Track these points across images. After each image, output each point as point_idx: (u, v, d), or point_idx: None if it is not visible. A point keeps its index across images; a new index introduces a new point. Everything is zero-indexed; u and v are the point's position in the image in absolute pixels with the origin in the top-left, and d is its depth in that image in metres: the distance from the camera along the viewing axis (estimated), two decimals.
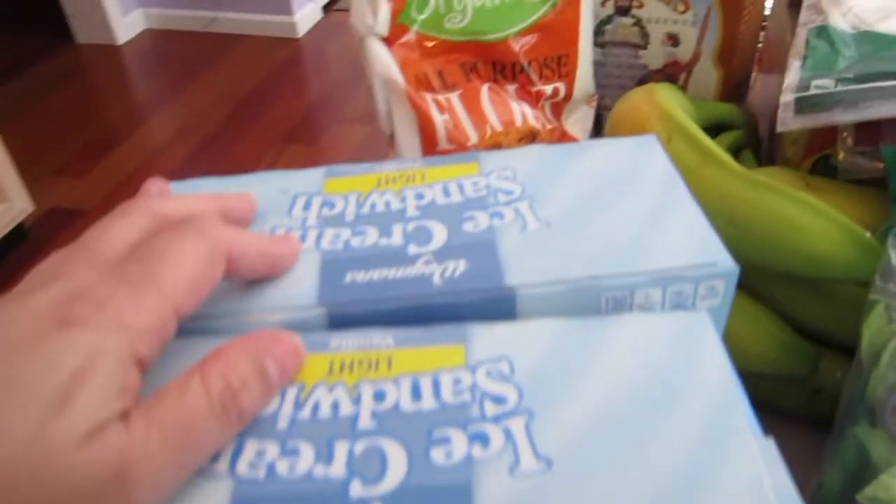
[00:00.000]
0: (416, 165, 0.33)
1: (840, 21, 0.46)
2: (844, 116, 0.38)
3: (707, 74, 0.51)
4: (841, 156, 0.41)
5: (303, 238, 0.30)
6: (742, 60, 0.53)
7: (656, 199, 0.30)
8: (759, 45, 0.57)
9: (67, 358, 0.19)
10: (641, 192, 0.30)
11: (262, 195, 0.32)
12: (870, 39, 0.44)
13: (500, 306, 0.27)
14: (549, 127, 0.44)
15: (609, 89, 0.53)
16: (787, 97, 0.40)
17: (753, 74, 0.62)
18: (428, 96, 0.40)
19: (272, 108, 2.49)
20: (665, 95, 0.42)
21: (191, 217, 0.25)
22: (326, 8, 2.97)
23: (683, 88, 0.52)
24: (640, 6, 0.49)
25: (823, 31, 0.45)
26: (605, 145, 0.33)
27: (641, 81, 0.52)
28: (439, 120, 0.40)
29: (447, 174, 0.32)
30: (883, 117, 0.37)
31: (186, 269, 0.22)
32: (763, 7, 0.53)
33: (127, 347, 0.20)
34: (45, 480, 0.17)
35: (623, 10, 0.50)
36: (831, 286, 0.37)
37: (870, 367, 0.33)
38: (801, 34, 0.46)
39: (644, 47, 0.51)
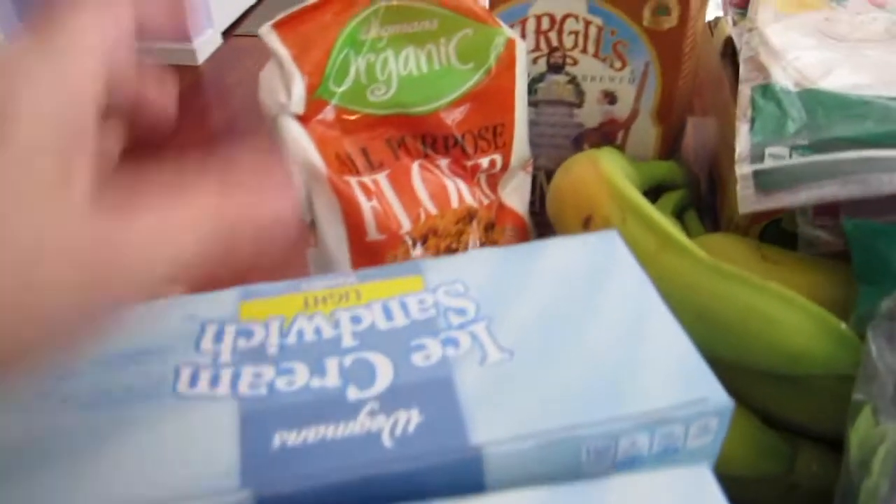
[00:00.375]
0: (350, 281, 0.28)
1: (782, 77, 0.44)
2: (808, 195, 0.35)
3: (646, 132, 0.48)
4: (800, 229, 0.39)
5: (215, 381, 0.25)
6: (680, 115, 0.50)
7: (630, 316, 0.26)
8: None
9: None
10: (611, 306, 0.27)
11: (162, 325, 0.27)
12: (816, 99, 0.42)
13: (464, 470, 0.22)
14: (486, 202, 0.40)
15: (543, 148, 0.50)
16: (743, 169, 0.37)
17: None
18: (352, 180, 0.36)
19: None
20: (610, 167, 0.39)
21: None
22: (226, 34, 2.88)
23: (621, 147, 0.49)
24: (574, 63, 0.46)
25: (768, 90, 0.43)
26: (563, 246, 0.29)
27: (577, 140, 0.49)
28: (367, 206, 0.35)
29: (387, 291, 0.27)
30: (846, 197, 0.35)
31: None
32: (698, 59, 0.51)
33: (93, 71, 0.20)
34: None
35: (556, 68, 0.46)
36: (806, 380, 0.34)
37: (860, 475, 0.30)
38: (745, 92, 0.44)
39: (579, 105, 0.48)
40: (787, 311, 0.32)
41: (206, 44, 2.76)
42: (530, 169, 0.44)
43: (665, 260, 0.34)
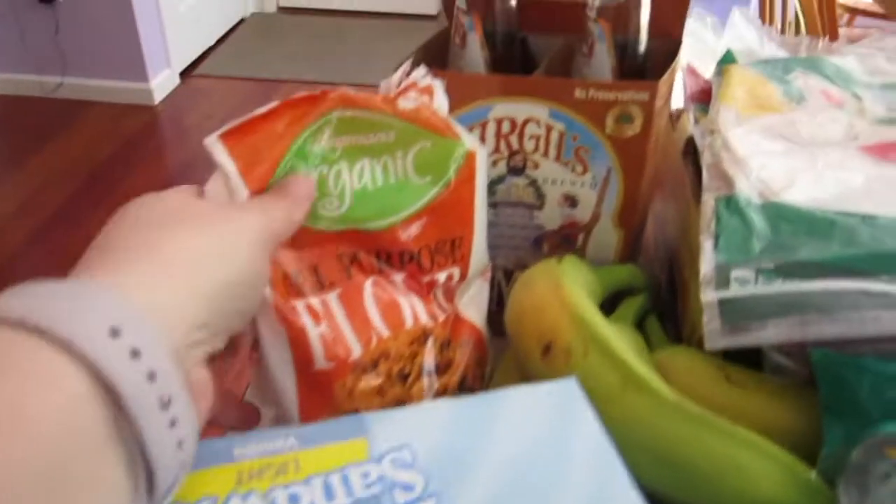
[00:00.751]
0: (288, 445, 0.26)
1: (746, 188, 0.43)
2: (777, 332, 0.34)
3: (607, 235, 0.47)
4: (765, 355, 0.38)
5: None
6: (642, 216, 0.49)
7: (593, 490, 0.24)
8: None
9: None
10: (574, 480, 0.25)
11: None
12: (781, 214, 0.41)
13: None
14: (441, 317, 0.38)
15: (502, 249, 0.48)
16: (708, 295, 0.36)
17: None
18: (299, 304, 0.33)
19: (127, 180, 2.33)
20: (573, 288, 0.37)
21: None
22: (184, 74, 2.85)
23: (582, 249, 0.47)
24: (536, 167, 0.45)
25: (732, 203, 0.42)
26: (519, 401, 0.27)
27: (537, 241, 0.48)
28: (314, 334, 0.33)
29: (328, 461, 0.25)
30: (815, 338, 0.34)
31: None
32: (661, 157, 0.50)
33: None
34: None
35: (516, 171, 0.45)
36: None
37: None
38: (708, 203, 0.42)
39: (539, 208, 0.46)
40: (756, 459, 0.31)
41: (163, 84, 2.73)
42: (488, 275, 0.42)
43: (629, 399, 0.32)
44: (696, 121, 0.53)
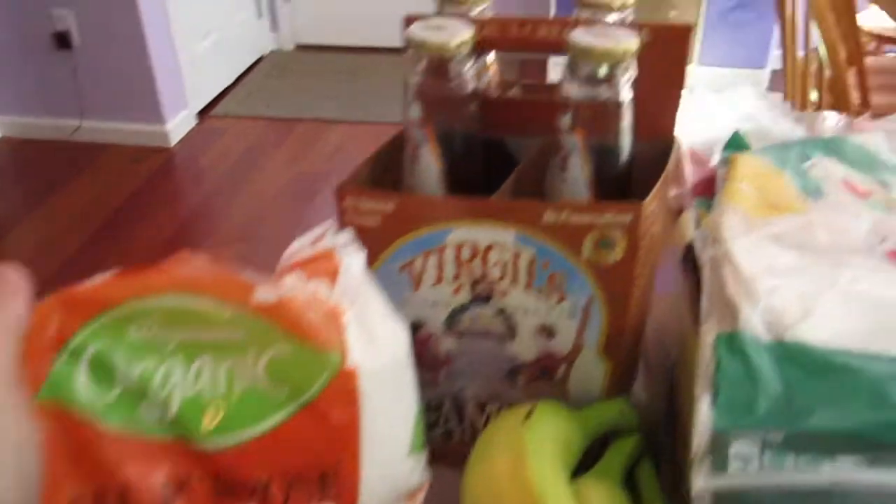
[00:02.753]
0: None
1: (754, 321, 0.36)
2: None
3: (592, 368, 0.40)
4: None
5: None
6: (633, 347, 0.42)
7: None
8: None
9: None
10: None
11: None
12: (794, 359, 0.34)
13: None
14: None
15: (473, 380, 0.42)
16: (699, 482, 0.29)
17: None
18: None
19: (142, 224, 2.31)
20: (538, 465, 0.31)
21: None
22: (202, 114, 2.83)
23: (563, 384, 0.41)
24: (504, 295, 0.38)
25: (735, 343, 0.35)
26: None
27: (512, 373, 0.41)
28: None
29: None
30: None
31: None
32: (654, 275, 0.44)
33: None
34: None
35: (482, 299, 0.39)
36: None
37: None
38: (707, 341, 0.36)
39: (511, 338, 0.40)
40: None
41: (180, 125, 2.71)
42: (420, 495, 0.34)
43: None
44: (699, 222, 0.46)
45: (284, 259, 0.31)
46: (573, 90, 0.35)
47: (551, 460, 0.32)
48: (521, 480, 0.30)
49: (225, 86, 3.01)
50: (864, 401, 0.31)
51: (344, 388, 0.28)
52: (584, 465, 0.38)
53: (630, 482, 0.39)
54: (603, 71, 0.34)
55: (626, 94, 0.35)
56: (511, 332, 0.39)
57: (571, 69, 0.35)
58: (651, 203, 0.36)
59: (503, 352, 0.40)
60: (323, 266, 0.31)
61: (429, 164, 0.37)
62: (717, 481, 0.29)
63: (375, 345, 0.30)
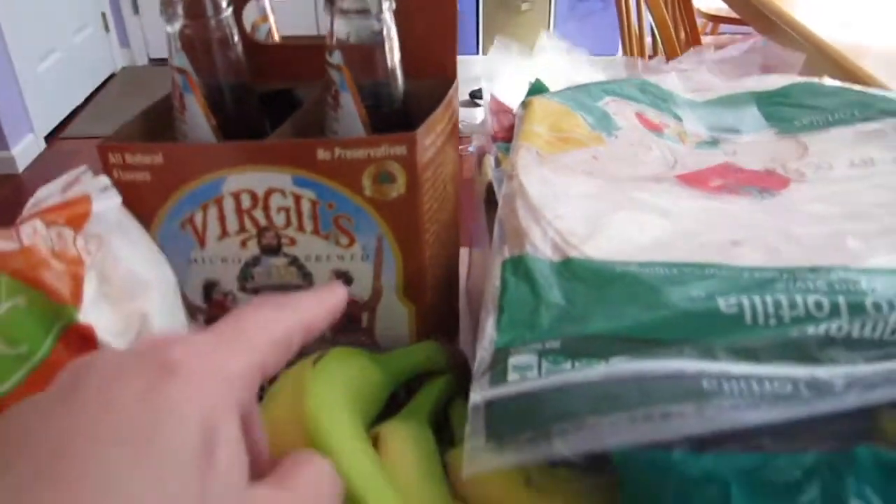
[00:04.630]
0: None
1: (541, 244, 0.36)
2: (554, 449, 0.27)
3: (395, 312, 0.39)
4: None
5: None
6: (439, 284, 0.42)
7: None
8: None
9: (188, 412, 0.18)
10: None
11: None
12: (575, 274, 0.34)
13: None
14: None
15: None
16: (476, 396, 0.29)
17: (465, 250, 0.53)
18: None
19: None
20: (320, 399, 0.30)
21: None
22: (50, 137, 2.69)
23: (370, 331, 0.40)
24: (292, 243, 0.37)
25: (521, 265, 0.35)
26: None
27: None
28: None
29: None
30: (599, 448, 0.27)
31: (271, 330, 0.23)
32: (457, 209, 0.44)
33: (232, 394, 0.20)
34: None
35: (271, 250, 0.37)
36: None
37: None
38: (495, 268, 0.36)
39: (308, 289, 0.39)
40: None
41: (26, 150, 2.56)
42: None
43: None
44: (498, 163, 0.47)
45: (29, 206, 0.29)
46: (337, 25, 0.35)
47: (338, 401, 0.31)
48: (298, 413, 0.29)
49: (74, 106, 2.87)
50: (640, 304, 0.32)
51: (78, 344, 0.26)
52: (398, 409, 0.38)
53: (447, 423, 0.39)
54: (359, 2, 0.34)
55: (387, 25, 0.35)
56: (308, 282, 0.38)
57: (330, 1, 0.34)
58: (427, 134, 0.35)
59: None
60: (72, 213, 0.29)
61: (195, 114, 0.36)
62: (494, 392, 0.29)
63: (118, 297, 0.28)
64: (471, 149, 0.55)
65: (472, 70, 1.18)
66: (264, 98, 0.40)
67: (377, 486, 0.27)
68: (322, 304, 0.28)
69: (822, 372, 0.28)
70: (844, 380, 0.27)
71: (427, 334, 0.41)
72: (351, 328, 0.40)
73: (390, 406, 0.38)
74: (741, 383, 0.27)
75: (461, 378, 0.41)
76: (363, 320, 0.40)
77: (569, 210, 0.39)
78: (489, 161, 0.47)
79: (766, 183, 0.44)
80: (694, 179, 0.44)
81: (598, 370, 0.28)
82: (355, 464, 0.28)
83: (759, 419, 0.26)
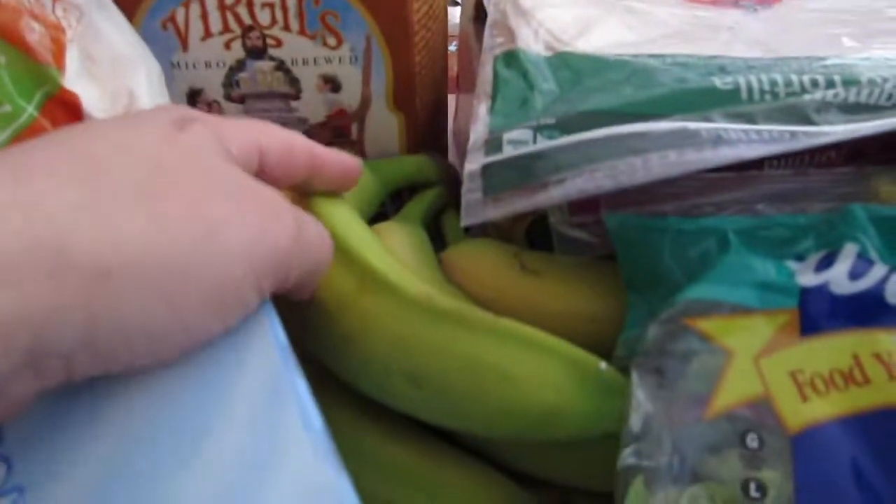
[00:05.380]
0: None
1: (532, 42, 0.35)
2: (546, 196, 0.27)
3: (384, 122, 0.39)
4: (555, 229, 0.31)
5: None
6: (429, 100, 0.41)
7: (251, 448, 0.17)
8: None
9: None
10: (229, 441, 0.17)
11: None
12: (569, 65, 0.34)
13: None
14: None
15: None
16: (472, 163, 0.29)
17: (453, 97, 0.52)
18: None
19: None
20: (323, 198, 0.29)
21: None
22: None
23: (359, 143, 0.39)
24: (278, 44, 0.36)
25: (513, 58, 0.34)
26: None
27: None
28: None
29: None
30: (592, 192, 0.27)
31: (277, 131, 0.25)
32: (446, 28, 0.42)
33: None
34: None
35: (257, 52, 0.36)
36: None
37: None
38: (487, 64, 0.35)
39: (296, 97, 0.38)
40: (528, 359, 0.24)
41: None
42: None
43: (368, 303, 0.25)
44: None
45: None
46: None
47: (347, 205, 0.31)
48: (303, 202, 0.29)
49: None
50: (633, 83, 0.31)
51: (64, 112, 0.26)
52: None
53: (437, 231, 0.39)
54: None
55: None
56: (295, 88, 0.37)
57: None
58: None
59: (291, 114, 0.38)
60: None
61: None
62: (489, 159, 0.29)
63: (103, 77, 0.27)
64: None
65: None
66: None
67: (381, 252, 0.27)
68: (336, 155, 0.28)
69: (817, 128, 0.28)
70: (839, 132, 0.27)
71: (417, 149, 0.40)
72: (340, 141, 0.39)
73: (379, 218, 0.38)
74: (738, 133, 0.27)
75: (452, 191, 0.40)
76: (353, 131, 0.39)
77: (559, 12, 0.38)
78: None
79: None
80: None
81: (597, 133, 0.28)
82: (359, 232, 0.28)
83: (755, 153, 0.26)
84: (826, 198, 0.29)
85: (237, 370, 0.18)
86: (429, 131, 0.42)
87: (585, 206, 0.30)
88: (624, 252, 0.28)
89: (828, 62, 0.32)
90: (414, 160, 0.39)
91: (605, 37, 0.36)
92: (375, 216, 0.38)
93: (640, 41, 0.36)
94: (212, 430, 0.17)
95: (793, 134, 0.26)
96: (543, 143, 0.28)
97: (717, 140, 0.26)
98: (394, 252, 0.32)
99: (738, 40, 0.36)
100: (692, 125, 0.27)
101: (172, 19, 0.35)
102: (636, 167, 0.26)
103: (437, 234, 0.39)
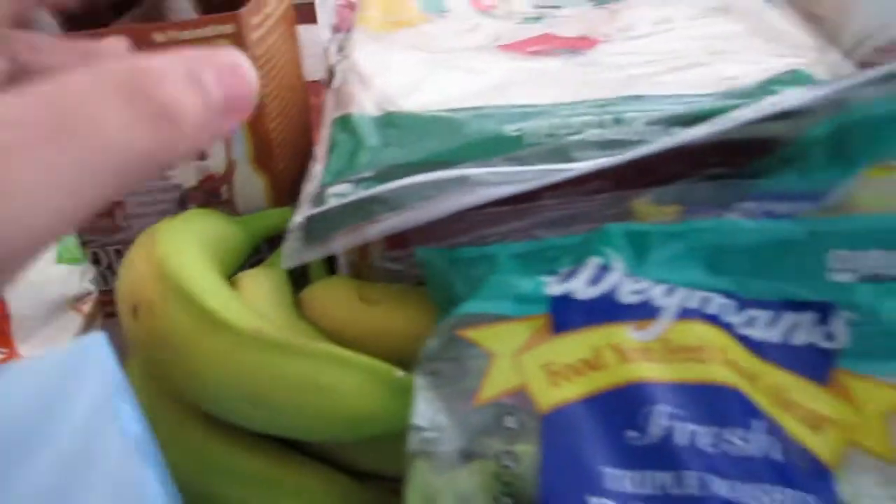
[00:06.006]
0: None
1: (367, 105, 0.41)
2: (346, 240, 0.33)
3: (250, 182, 0.45)
4: (374, 264, 0.37)
5: None
6: (291, 157, 0.47)
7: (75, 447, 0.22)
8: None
9: None
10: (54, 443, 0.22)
11: None
12: (393, 122, 0.40)
13: None
14: None
15: (149, 218, 0.45)
16: (298, 217, 0.34)
17: None
18: None
19: None
20: (169, 241, 0.35)
21: None
22: None
23: (230, 203, 0.45)
24: None
25: (348, 122, 0.40)
26: (26, 369, 0.25)
27: (181, 202, 0.45)
28: None
29: None
30: (386, 232, 0.33)
31: None
32: (305, 92, 0.49)
33: None
34: None
35: None
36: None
37: None
38: (326, 127, 0.41)
39: (173, 168, 0.43)
40: (336, 373, 0.30)
41: None
42: (86, 307, 0.38)
43: (207, 343, 0.31)
44: (340, 49, 0.52)
45: None
46: None
47: (190, 244, 0.36)
48: (148, 253, 0.34)
49: None
50: (442, 138, 0.38)
51: None
52: None
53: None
54: None
55: None
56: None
57: None
58: (254, 13, 0.40)
59: (168, 182, 0.44)
60: None
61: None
62: (313, 211, 0.34)
63: None
64: None
65: None
66: None
67: (216, 292, 0.33)
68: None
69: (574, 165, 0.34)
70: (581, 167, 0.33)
71: (283, 202, 0.46)
72: (213, 201, 0.45)
73: (255, 265, 0.43)
74: (503, 175, 0.33)
75: None
76: (223, 192, 0.45)
77: (393, 76, 0.44)
78: (329, 51, 0.52)
79: (577, 45, 0.49)
80: (512, 47, 0.49)
81: (399, 182, 0.34)
82: (201, 278, 0.33)
83: (511, 191, 0.32)
84: (594, 220, 0.35)
85: (73, 389, 0.23)
86: (295, 185, 0.48)
87: (398, 243, 0.36)
88: (430, 279, 0.34)
89: (611, 105, 0.38)
90: (279, 212, 0.45)
91: (429, 94, 0.42)
92: (254, 264, 0.43)
93: (460, 95, 0.42)
94: (42, 434, 0.22)
95: (545, 172, 0.33)
96: (358, 195, 0.34)
97: (483, 182, 0.32)
98: (251, 295, 0.38)
99: (553, 87, 0.42)
100: (466, 171, 0.33)
101: None
102: (418, 209, 0.32)
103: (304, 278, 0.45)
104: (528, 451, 0.28)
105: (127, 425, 0.23)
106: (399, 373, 0.30)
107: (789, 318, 0.32)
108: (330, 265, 0.45)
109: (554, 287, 0.30)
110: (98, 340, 0.26)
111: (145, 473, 0.22)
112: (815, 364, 0.30)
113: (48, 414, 0.23)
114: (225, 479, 0.31)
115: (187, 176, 0.44)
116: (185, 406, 0.32)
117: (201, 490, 0.32)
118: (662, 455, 0.27)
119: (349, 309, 0.37)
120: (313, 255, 0.33)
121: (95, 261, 0.45)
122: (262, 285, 0.39)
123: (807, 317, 0.31)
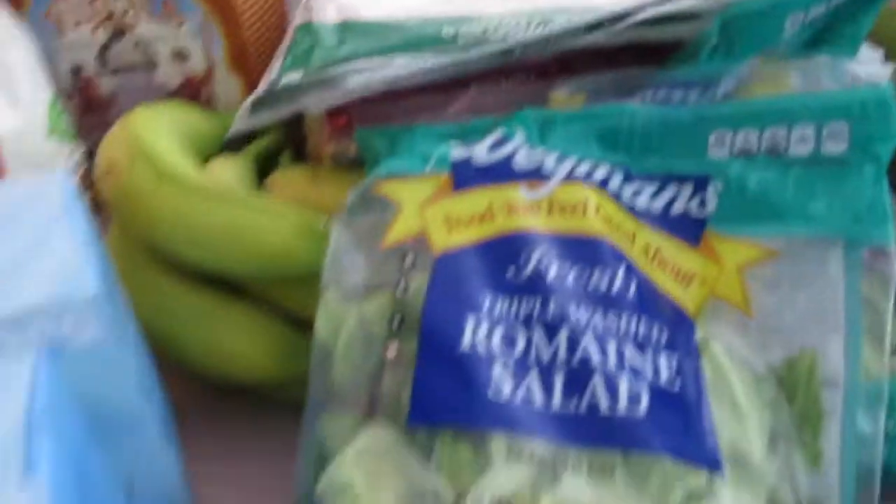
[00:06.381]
0: None
1: (327, 12, 0.46)
2: (287, 108, 0.38)
3: (227, 85, 0.50)
4: (324, 147, 0.42)
5: None
6: (268, 61, 0.52)
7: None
8: None
9: None
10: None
11: None
12: (350, 29, 0.44)
13: None
14: None
15: None
16: (246, 103, 0.40)
17: None
18: None
19: None
20: (145, 116, 0.40)
21: None
22: None
23: (209, 104, 0.50)
24: (134, 27, 0.47)
25: (309, 28, 0.45)
26: None
27: None
28: None
29: None
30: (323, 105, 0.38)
31: None
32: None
33: None
34: None
35: (118, 34, 0.47)
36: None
37: (323, 355, 0.32)
38: (289, 34, 0.46)
39: (154, 68, 0.49)
40: (264, 218, 0.35)
41: None
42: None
43: (162, 193, 0.36)
44: None
45: None
46: None
47: (162, 124, 0.41)
48: (124, 126, 0.39)
49: None
50: (389, 36, 0.42)
51: None
52: None
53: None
54: None
55: None
56: (152, 62, 0.48)
57: None
58: None
59: (153, 82, 0.49)
60: None
61: None
62: (261, 93, 0.39)
63: None
64: None
65: None
66: None
67: (175, 156, 0.38)
68: None
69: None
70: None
71: None
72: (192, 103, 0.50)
73: None
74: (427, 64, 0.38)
75: (291, 133, 0.51)
76: (203, 95, 0.50)
77: None
78: None
79: None
80: None
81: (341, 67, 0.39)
82: (165, 144, 0.38)
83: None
84: (518, 107, 0.40)
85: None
86: None
87: (347, 132, 0.41)
88: (366, 155, 0.39)
89: (536, 14, 0.42)
90: None
91: (389, 7, 0.47)
92: None
93: (418, 7, 0.46)
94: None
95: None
96: (306, 78, 0.39)
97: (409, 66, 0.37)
98: (218, 176, 0.43)
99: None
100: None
101: (51, 11, 0.46)
102: (351, 86, 0.37)
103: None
104: (420, 282, 0.32)
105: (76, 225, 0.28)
106: (321, 224, 0.35)
107: (671, 189, 0.36)
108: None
109: (458, 151, 0.35)
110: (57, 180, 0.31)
111: (89, 269, 0.27)
112: (690, 228, 0.35)
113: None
114: (177, 317, 0.37)
115: (171, 77, 0.49)
116: (148, 256, 0.38)
117: (159, 329, 0.37)
118: (534, 286, 0.31)
119: (301, 186, 0.42)
120: (255, 123, 0.38)
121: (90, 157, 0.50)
122: (229, 169, 0.44)
123: (687, 189, 0.36)
